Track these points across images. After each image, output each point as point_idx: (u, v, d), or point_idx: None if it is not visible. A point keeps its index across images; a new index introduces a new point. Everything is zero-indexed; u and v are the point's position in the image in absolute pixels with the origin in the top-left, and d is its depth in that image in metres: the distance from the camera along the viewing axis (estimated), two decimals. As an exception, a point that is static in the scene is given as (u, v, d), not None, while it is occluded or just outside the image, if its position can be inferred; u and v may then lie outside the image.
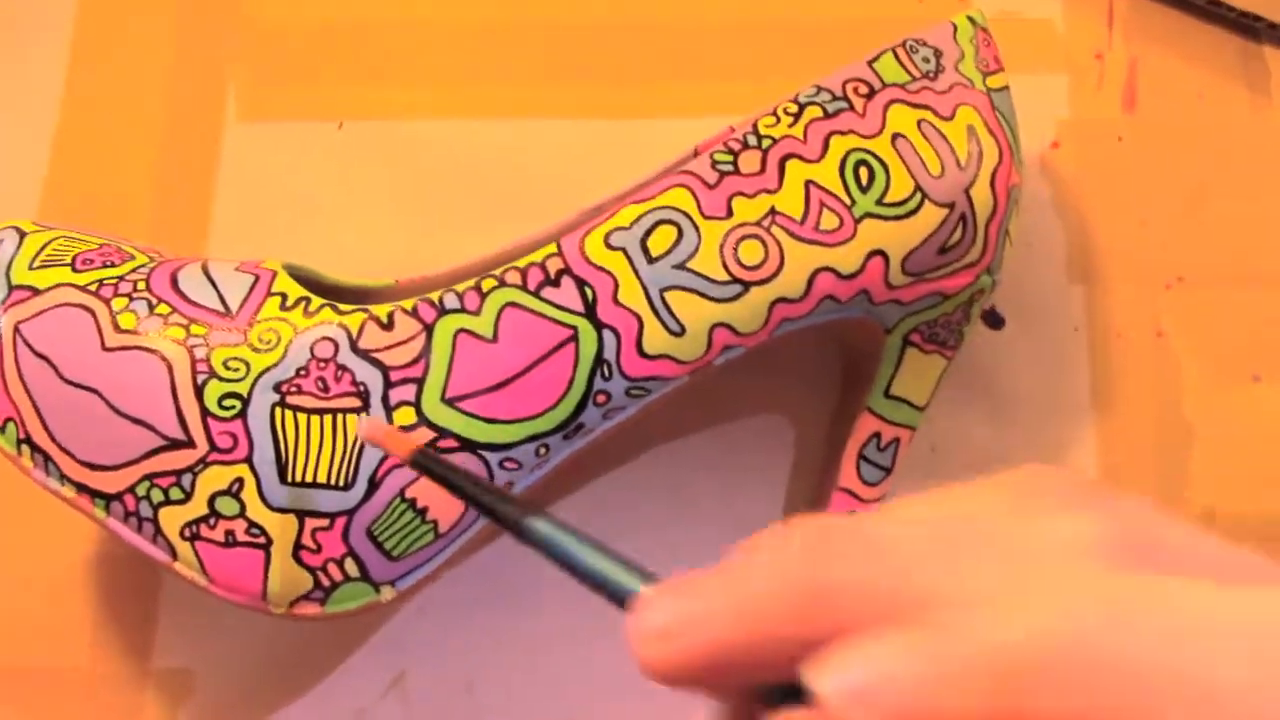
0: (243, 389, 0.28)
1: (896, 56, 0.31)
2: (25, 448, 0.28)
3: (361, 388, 0.28)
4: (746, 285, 0.29)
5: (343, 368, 0.28)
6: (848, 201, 0.30)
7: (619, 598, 0.15)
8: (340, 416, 0.28)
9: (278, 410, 0.27)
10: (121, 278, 0.29)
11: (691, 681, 0.13)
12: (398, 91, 0.39)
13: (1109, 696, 0.11)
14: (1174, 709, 0.10)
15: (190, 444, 0.27)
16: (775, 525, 0.14)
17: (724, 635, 0.13)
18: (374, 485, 0.28)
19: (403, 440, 0.21)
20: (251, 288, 0.29)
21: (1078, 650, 0.11)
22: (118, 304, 0.28)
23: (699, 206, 0.29)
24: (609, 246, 0.29)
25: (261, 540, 0.28)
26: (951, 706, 0.11)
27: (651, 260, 0.29)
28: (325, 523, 0.28)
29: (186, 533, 0.28)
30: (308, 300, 0.29)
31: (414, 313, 0.29)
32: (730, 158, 0.30)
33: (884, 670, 0.11)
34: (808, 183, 0.30)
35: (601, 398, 0.29)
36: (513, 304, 0.29)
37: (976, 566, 0.12)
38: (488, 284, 0.29)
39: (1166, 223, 0.37)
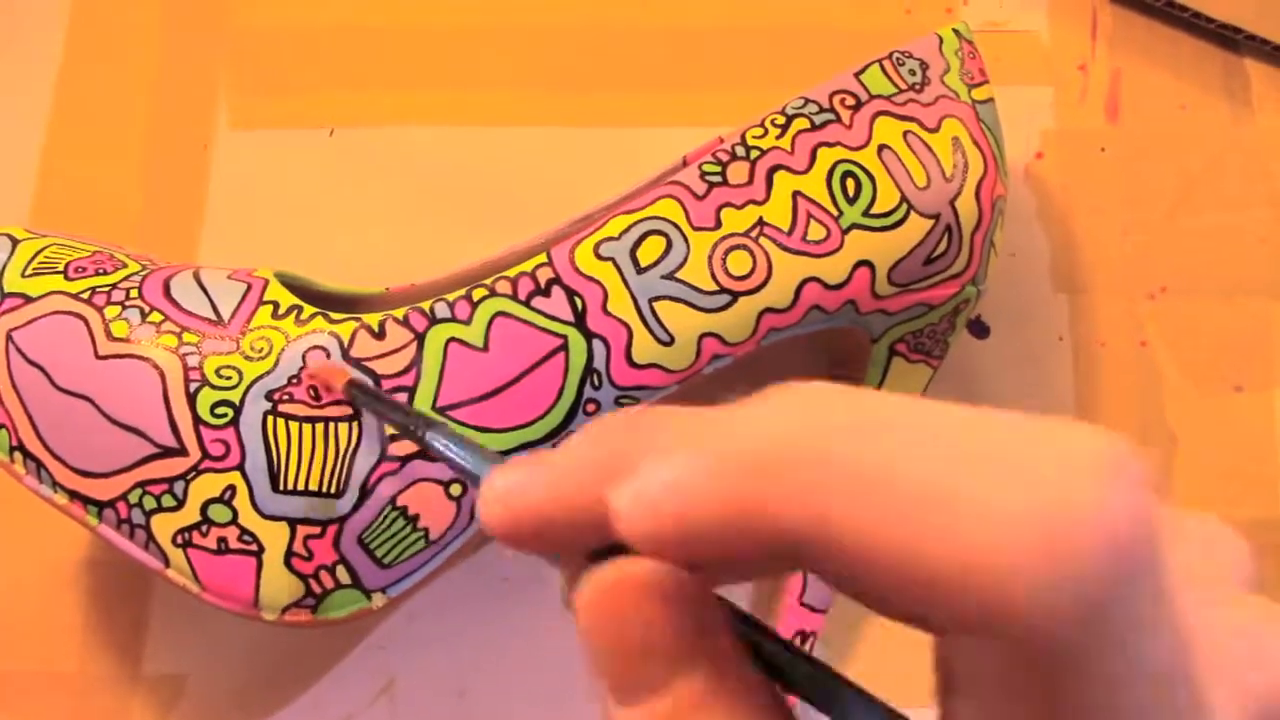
0: (235, 397, 0.28)
1: (883, 68, 0.32)
2: (18, 454, 0.29)
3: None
4: (735, 295, 0.29)
5: (334, 376, 0.28)
6: (835, 212, 0.30)
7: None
8: (332, 425, 0.28)
9: (270, 418, 0.28)
10: (114, 285, 0.29)
11: (528, 541, 0.15)
12: (388, 99, 0.39)
13: (831, 490, 0.12)
14: (875, 499, 0.12)
15: (183, 451, 0.28)
16: None
17: (543, 495, 0.15)
18: (366, 493, 0.28)
19: (338, 372, 0.27)
20: (244, 296, 0.29)
21: (801, 450, 0.13)
22: (110, 312, 0.28)
23: (688, 217, 0.30)
24: (599, 256, 0.29)
25: (253, 547, 0.28)
26: (709, 500, 0.13)
27: (641, 270, 0.29)
28: (317, 530, 0.28)
29: (179, 540, 0.28)
30: (300, 309, 0.29)
31: (405, 322, 0.29)
32: (718, 169, 0.30)
33: (661, 477, 0.13)
34: (795, 194, 0.30)
35: (591, 406, 0.29)
36: (503, 313, 0.29)
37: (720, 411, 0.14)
38: (478, 293, 0.29)
39: (1150, 233, 0.38)
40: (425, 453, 0.28)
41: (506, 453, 0.29)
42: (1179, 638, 0.12)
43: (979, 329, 0.37)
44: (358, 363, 0.28)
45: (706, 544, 0.13)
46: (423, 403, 0.28)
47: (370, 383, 0.28)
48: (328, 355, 0.28)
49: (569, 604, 0.15)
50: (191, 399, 0.28)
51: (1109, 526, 0.11)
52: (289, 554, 0.28)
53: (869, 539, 0.12)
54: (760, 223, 0.30)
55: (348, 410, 0.28)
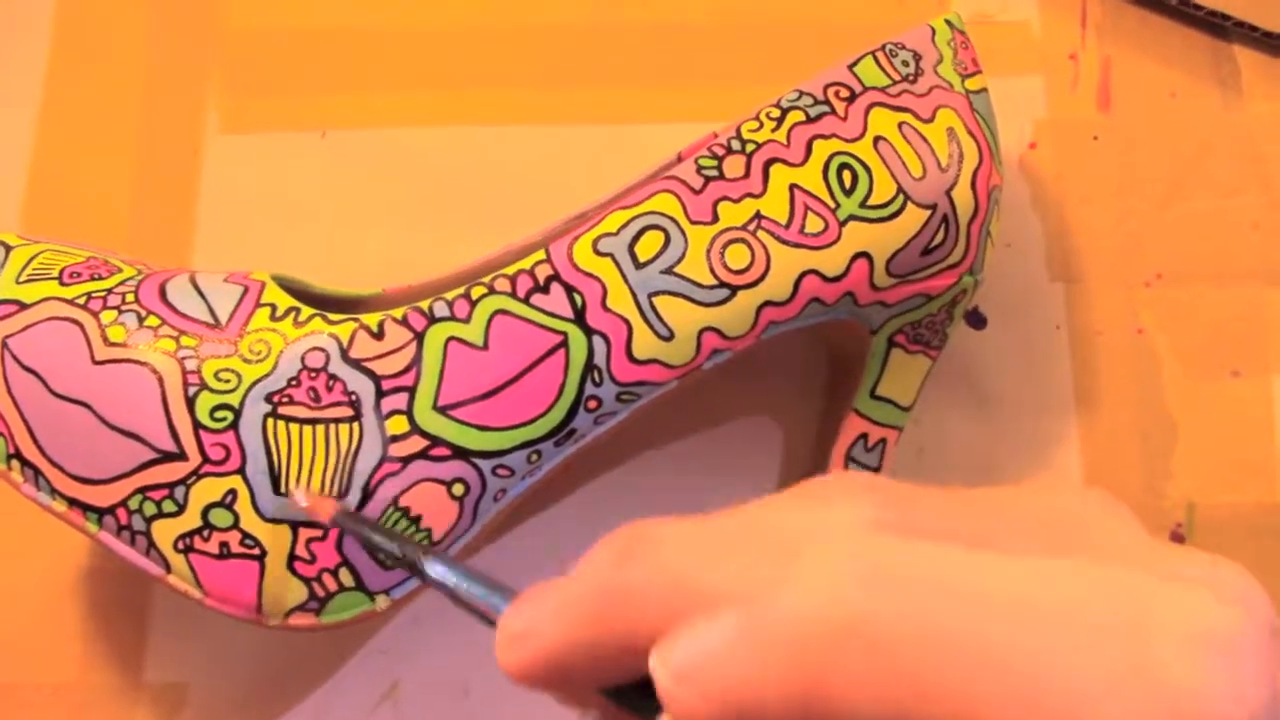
0: (234, 400, 0.28)
1: (876, 60, 0.32)
2: (15, 462, 0.28)
3: (353, 397, 0.28)
4: (734, 289, 0.29)
5: (334, 377, 0.28)
6: (832, 204, 0.30)
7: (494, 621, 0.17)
8: (333, 427, 0.28)
9: (270, 421, 0.28)
10: (110, 290, 0.29)
11: (546, 682, 0.15)
12: (381, 99, 0.39)
13: (901, 669, 0.11)
14: (952, 672, 0.11)
15: (182, 456, 0.27)
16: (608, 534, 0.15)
17: (553, 638, 0.14)
18: (368, 494, 0.28)
19: (325, 504, 0.27)
20: (241, 299, 0.29)
21: (864, 619, 0.11)
22: (106, 317, 0.28)
23: (685, 211, 0.30)
24: (597, 253, 0.29)
25: (255, 551, 0.28)
26: (762, 679, 0.12)
27: (639, 265, 0.29)
28: (319, 533, 0.28)
29: (180, 545, 0.28)
30: (297, 310, 0.29)
31: (404, 321, 0.29)
32: (715, 163, 0.30)
33: (701, 649, 0.12)
34: (792, 186, 0.30)
35: (593, 403, 0.29)
36: (502, 311, 0.29)
37: (759, 554, 0.13)
38: (477, 291, 0.29)
39: (1144, 220, 0.38)
40: (426, 453, 0.28)
41: (508, 451, 0.29)
42: None
43: (976, 319, 0.37)
44: (357, 363, 0.28)
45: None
46: (424, 402, 0.28)
47: (356, 512, 0.27)
48: (327, 358, 0.28)
49: None
50: (190, 403, 0.27)
51: (1241, 716, 0.10)
52: (291, 557, 0.28)
53: None
54: (758, 216, 0.30)
55: (349, 411, 0.28)
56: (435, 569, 0.20)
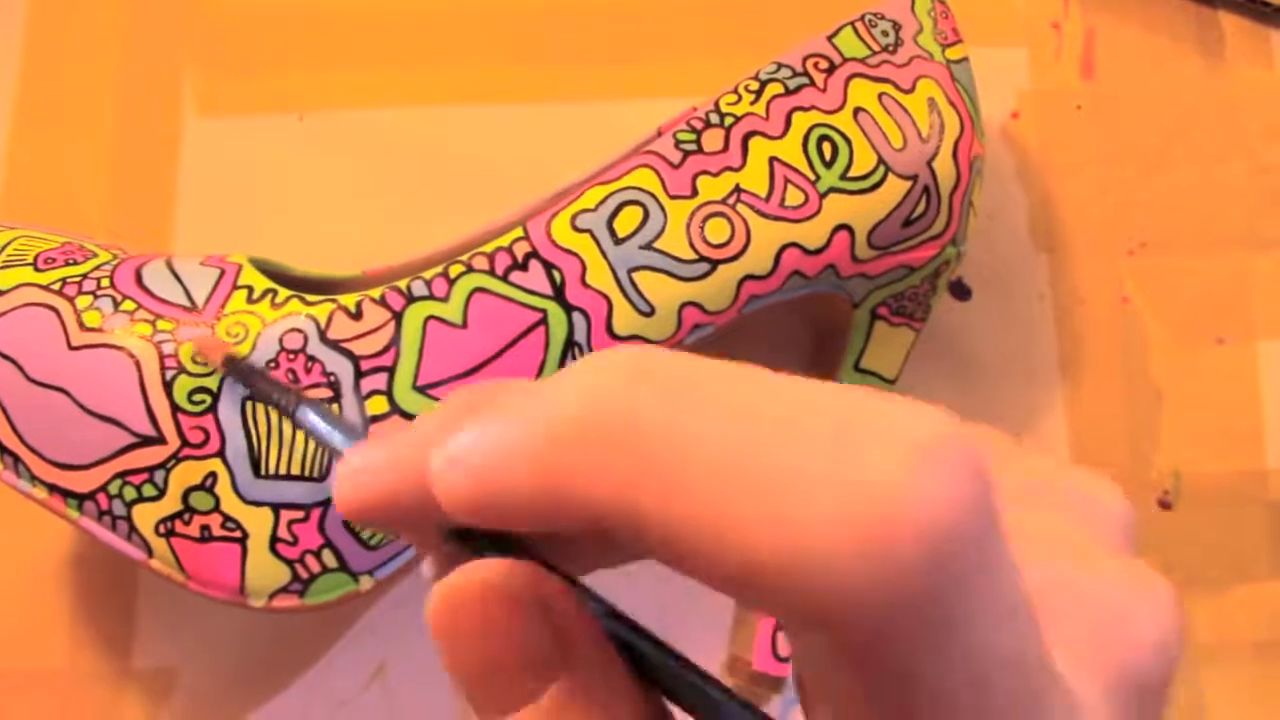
0: (212, 383, 0.27)
1: (856, 31, 0.31)
2: (-6, 450, 0.28)
3: (332, 378, 0.28)
4: (714, 263, 0.29)
5: (312, 359, 0.28)
6: (812, 177, 0.30)
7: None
8: (312, 407, 0.28)
9: (249, 404, 0.27)
10: (85, 275, 0.29)
11: (378, 520, 0.15)
12: (358, 80, 0.39)
13: (637, 458, 0.12)
14: (678, 468, 0.11)
15: (161, 440, 0.27)
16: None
17: (387, 471, 0.15)
18: (348, 475, 0.28)
19: (218, 345, 0.27)
20: (217, 281, 0.29)
21: (613, 409, 0.12)
22: (82, 302, 0.28)
23: (664, 186, 0.29)
24: (575, 229, 0.29)
25: (237, 534, 0.27)
26: (517, 466, 0.12)
27: (618, 241, 0.29)
28: (301, 514, 0.28)
29: (161, 529, 0.28)
30: (274, 292, 0.29)
31: (382, 301, 0.29)
32: (693, 136, 0.30)
33: (469, 438, 0.13)
34: (771, 159, 0.30)
35: (573, 380, 0.29)
36: (481, 289, 0.29)
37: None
38: (455, 270, 0.29)
39: (1127, 189, 0.38)
40: (408, 433, 0.28)
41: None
42: (1022, 624, 0.12)
43: (960, 290, 0.37)
44: (336, 344, 0.28)
45: (521, 513, 0.13)
46: (403, 382, 0.28)
47: (247, 360, 0.27)
48: (305, 339, 0.28)
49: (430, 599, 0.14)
50: (168, 387, 0.27)
51: (927, 520, 0.11)
52: (274, 539, 0.28)
53: (676, 519, 0.11)
54: (737, 190, 0.30)
55: (328, 392, 0.28)
56: (307, 416, 0.21)
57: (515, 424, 0.13)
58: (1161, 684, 0.14)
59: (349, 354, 0.28)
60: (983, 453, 0.11)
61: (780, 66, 0.31)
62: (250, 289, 0.29)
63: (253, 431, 0.27)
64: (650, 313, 0.29)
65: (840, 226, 0.30)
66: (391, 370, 0.28)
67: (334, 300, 0.29)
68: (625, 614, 0.14)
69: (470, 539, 0.15)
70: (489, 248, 0.29)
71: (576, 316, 0.29)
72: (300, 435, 0.27)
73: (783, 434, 0.11)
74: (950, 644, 0.11)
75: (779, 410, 0.12)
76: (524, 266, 0.29)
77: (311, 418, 0.20)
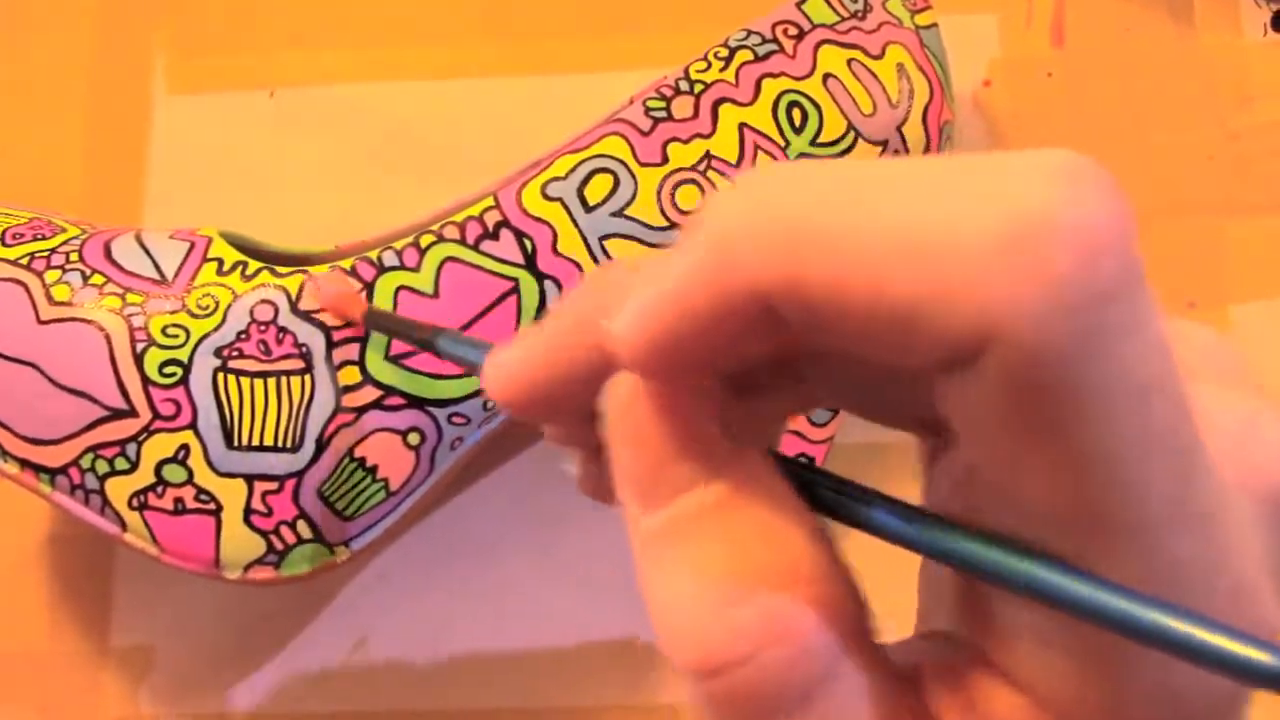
0: (183, 355, 0.27)
1: (825, -2, 0.31)
2: (-35, 427, 0.28)
3: (304, 349, 0.28)
4: (685, 230, 0.29)
5: (284, 330, 0.28)
6: (782, 143, 0.30)
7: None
8: (284, 379, 0.28)
9: (220, 375, 0.27)
10: (54, 250, 0.29)
11: (537, 407, 0.15)
12: (328, 57, 0.39)
13: (797, 232, 0.12)
14: (837, 224, 0.12)
15: (133, 413, 0.27)
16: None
17: (542, 356, 0.15)
18: (322, 446, 0.28)
19: (355, 300, 0.27)
20: (187, 254, 0.29)
21: (767, 213, 0.12)
22: (51, 276, 0.28)
23: (634, 154, 0.29)
24: (546, 197, 0.29)
25: (211, 506, 0.27)
26: (693, 287, 0.13)
27: (589, 209, 0.29)
28: (275, 485, 0.28)
29: (134, 502, 0.27)
30: (245, 264, 0.29)
31: (353, 272, 0.28)
32: (663, 104, 0.30)
33: (650, 289, 0.13)
34: (742, 126, 0.30)
35: (546, 349, 0.29)
36: (452, 259, 0.29)
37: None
38: (426, 240, 0.29)
39: (1099, 155, 0.37)
40: (380, 403, 0.28)
41: (462, 399, 0.29)
42: (1168, 358, 0.12)
43: (934, 259, 0.37)
44: (307, 315, 0.28)
45: (699, 337, 0.13)
46: (375, 352, 0.28)
47: (382, 309, 0.28)
48: (276, 310, 0.28)
49: (582, 486, 0.15)
50: (139, 359, 0.27)
51: (1084, 226, 0.11)
52: (248, 511, 0.28)
53: (840, 284, 0.12)
54: (708, 156, 0.30)
55: (300, 363, 0.28)
56: (445, 342, 0.22)
57: (689, 253, 0.13)
58: None
59: (321, 325, 0.28)
60: (1116, 183, 0.12)
61: (749, 33, 0.31)
62: (220, 261, 0.29)
63: (225, 403, 0.27)
64: (622, 280, 0.29)
65: (811, 192, 0.30)
66: (363, 341, 0.28)
67: (304, 271, 0.28)
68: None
69: None
70: (459, 217, 0.29)
71: (548, 285, 0.29)
72: (273, 407, 0.27)
73: (932, 187, 0.12)
74: (1108, 356, 0.11)
75: (923, 174, 0.12)
76: (495, 235, 0.29)
77: (449, 343, 0.21)
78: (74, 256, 0.28)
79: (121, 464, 0.27)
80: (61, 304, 0.28)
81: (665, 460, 0.14)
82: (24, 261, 0.28)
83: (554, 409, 0.15)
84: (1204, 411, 0.13)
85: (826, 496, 0.14)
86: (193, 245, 0.29)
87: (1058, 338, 0.11)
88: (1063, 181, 0.11)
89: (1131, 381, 0.11)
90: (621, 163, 0.29)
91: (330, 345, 0.28)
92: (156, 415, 0.27)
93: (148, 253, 0.29)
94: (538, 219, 0.29)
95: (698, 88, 0.30)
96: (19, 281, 0.28)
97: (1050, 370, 0.11)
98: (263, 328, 0.28)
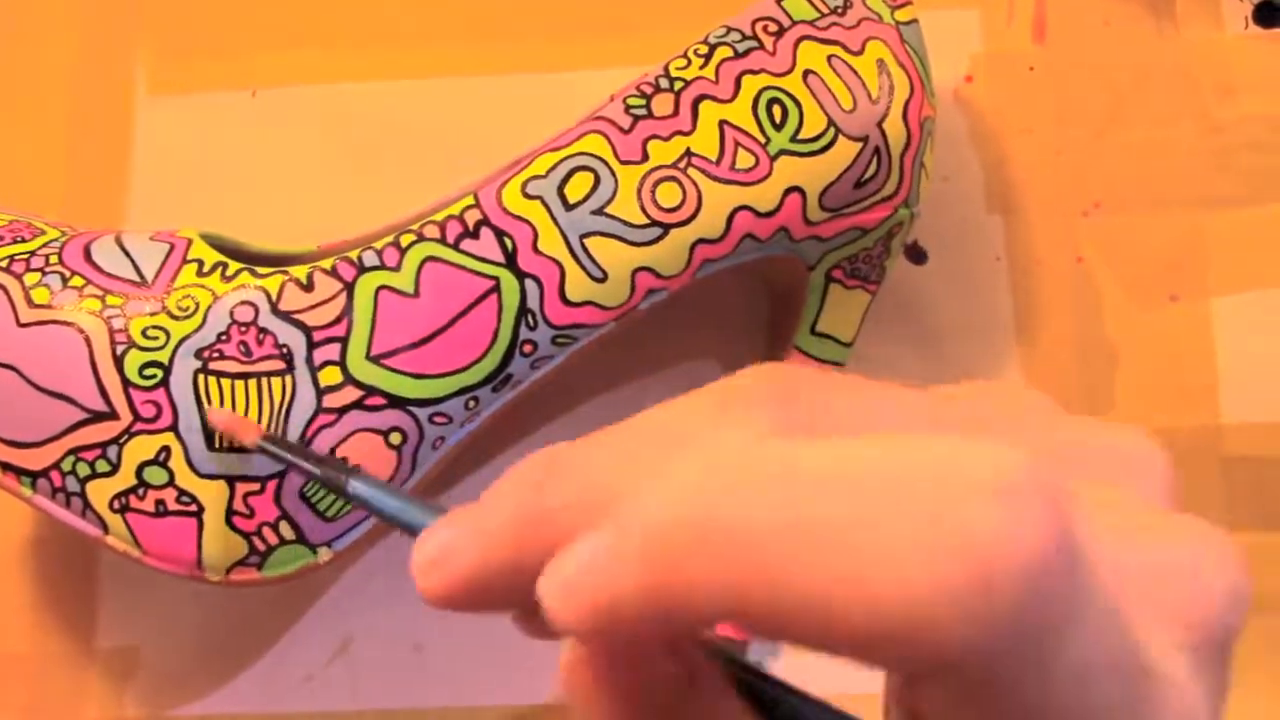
0: (163, 357, 0.27)
1: (804, -6, 0.31)
2: (-55, 430, 0.28)
3: (285, 349, 0.28)
4: (666, 228, 0.29)
5: (264, 331, 0.28)
6: (762, 140, 0.30)
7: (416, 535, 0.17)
8: (265, 380, 0.28)
9: (201, 377, 0.27)
10: (33, 253, 0.29)
11: (465, 604, 0.15)
12: (311, 56, 0.39)
13: (740, 561, 0.12)
14: (783, 562, 0.12)
15: (113, 415, 0.27)
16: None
17: (473, 561, 0.15)
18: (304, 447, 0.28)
19: (248, 426, 0.26)
20: (167, 256, 0.29)
21: (708, 520, 0.12)
22: (30, 279, 0.28)
23: (614, 151, 0.29)
24: (526, 196, 0.29)
25: (193, 508, 0.27)
26: (622, 585, 0.13)
27: (569, 207, 0.29)
28: (256, 487, 0.28)
29: (116, 505, 0.27)
30: (225, 265, 0.29)
31: (333, 272, 0.28)
32: (643, 101, 0.30)
33: (578, 563, 0.13)
34: (722, 123, 0.30)
35: (528, 347, 0.29)
36: (433, 258, 0.29)
37: (652, 464, 0.14)
38: (406, 239, 0.29)
39: (1081, 150, 0.38)
40: (361, 403, 0.28)
41: (444, 398, 0.29)
42: (1116, 626, 0.12)
43: (916, 254, 0.37)
44: (287, 316, 0.28)
45: (637, 625, 0.13)
46: (356, 352, 0.28)
47: (280, 435, 0.27)
48: (256, 311, 0.28)
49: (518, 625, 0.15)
50: (119, 361, 0.27)
51: (1019, 567, 0.11)
52: (230, 512, 0.28)
53: (784, 607, 0.12)
54: (688, 153, 0.30)
55: (281, 364, 0.28)
56: (358, 487, 0.20)
57: (620, 539, 0.13)
58: (1237, 631, 0.14)
59: (301, 325, 0.28)
60: (1051, 476, 0.12)
61: (729, 30, 0.31)
62: (200, 262, 0.29)
63: (206, 405, 0.27)
64: (603, 278, 0.29)
65: (792, 189, 0.30)
66: (344, 340, 0.28)
67: (285, 272, 0.28)
68: (750, 662, 0.15)
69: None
70: (439, 216, 0.29)
71: (529, 284, 0.29)
72: (254, 408, 0.27)
73: (874, 507, 0.12)
74: (1056, 663, 0.12)
75: (867, 481, 0.12)
76: (475, 234, 0.29)
77: (366, 490, 0.20)
78: (54, 259, 0.28)
79: (102, 466, 0.27)
80: (41, 306, 0.28)
81: (626, 713, 0.14)
82: (3, 264, 0.28)
83: (489, 609, 0.15)
84: (1147, 564, 0.13)
85: (785, 707, 0.14)
86: (173, 247, 0.29)
87: (1008, 665, 0.12)
88: (1002, 504, 0.11)
89: (1076, 679, 0.12)
90: (602, 160, 0.29)
91: (311, 346, 0.28)
92: (137, 417, 0.27)
93: (128, 255, 0.29)
94: (518, 217, 0.29)
95: (678, 85, 0.30)
96: (-2, 284, 0.28)
97: (1000, 687, 0.12)
98: (243, 329, 0.28)
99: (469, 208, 0.29)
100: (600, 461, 0.14)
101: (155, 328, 0.27)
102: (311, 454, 0.25)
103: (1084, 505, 0.13)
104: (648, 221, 0.29)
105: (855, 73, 0.31)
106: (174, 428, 0.27)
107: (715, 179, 0.30)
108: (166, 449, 0.27)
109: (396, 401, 0.28)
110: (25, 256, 0.28)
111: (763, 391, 0.14)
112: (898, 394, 0.15)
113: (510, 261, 0.29)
